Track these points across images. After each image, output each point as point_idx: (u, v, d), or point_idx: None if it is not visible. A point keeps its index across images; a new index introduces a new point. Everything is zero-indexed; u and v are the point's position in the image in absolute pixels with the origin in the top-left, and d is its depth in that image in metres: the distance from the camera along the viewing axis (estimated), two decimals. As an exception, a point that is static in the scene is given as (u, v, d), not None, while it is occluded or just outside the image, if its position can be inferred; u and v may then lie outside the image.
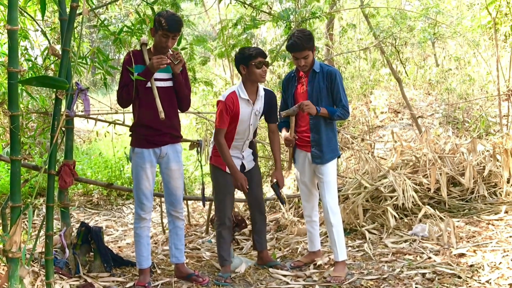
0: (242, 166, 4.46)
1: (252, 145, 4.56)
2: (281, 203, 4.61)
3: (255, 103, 4.35)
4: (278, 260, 4.83)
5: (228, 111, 4.25)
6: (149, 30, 4.57)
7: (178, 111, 4.29)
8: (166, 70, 4.09)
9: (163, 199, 4.96)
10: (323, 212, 4.42)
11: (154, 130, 4.04)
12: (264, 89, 4.47)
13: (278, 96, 5.16)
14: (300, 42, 4.21)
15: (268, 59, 4.31)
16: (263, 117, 4.56)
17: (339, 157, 4.53)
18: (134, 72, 3.95)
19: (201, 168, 5.08)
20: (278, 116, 4.55)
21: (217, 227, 4.49)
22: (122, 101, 4.11)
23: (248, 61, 4.22)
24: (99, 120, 5.56)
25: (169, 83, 4.14)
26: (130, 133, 4.24)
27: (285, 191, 6.91)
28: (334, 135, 4.43)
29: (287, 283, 4.27)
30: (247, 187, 4.35)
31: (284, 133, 4.50)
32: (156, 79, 4.04)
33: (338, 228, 4.32)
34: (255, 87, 4.37)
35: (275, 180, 4.49)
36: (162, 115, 3.92)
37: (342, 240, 4.34)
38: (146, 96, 4.02)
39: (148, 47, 4.12)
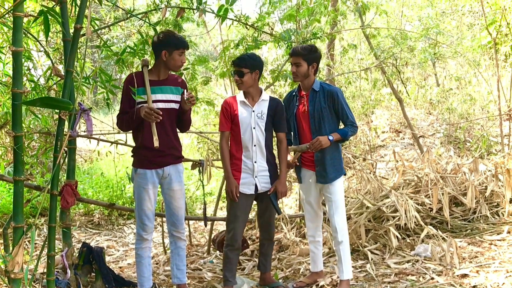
0: (256, 187, 4.38)
1: (270, 164, 4.45)
2: (277, 213, 4.55)
3: (255, 105, 4.34)
4: (280, 281, 4.80)
5: (225, 114, 4.34)
6: (151, 51, 4.59)
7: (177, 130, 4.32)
8: (171, 92, 4.13)
9: (164, 219, 4.94)
10: (331, 230, 4.42)
11: (156, 151, 4.02)
12: (270, 97, 4.48)
13: None
14: (297, 48, 4.32)
15: (237, 70, 4.31)
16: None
17: (344, 175, 4.53)
18: (136, 95, 3.95)
19: (203, 188, 5.06)
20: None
21: (225, 247, 4.44)
22: (123, 128, 4.18)
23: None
24: (101, 140, 5.56)
25: (173, 105, 4.14)
26: (132, 154, 4.24)
27: (287, 211, 6.90)
28: (339, 154, 4.42)
29: (290, 304, 4.24)
30: (237, 195, 4.29)
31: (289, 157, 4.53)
32: (159, 101, 4.05)
33: (345, 246, 4.33)
34: (256, 92, 4.39)
35: (273, 190, 4.39)
36: (157, 143, 3.91)
37: (348, 259, 4.34)
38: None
39: (149, 68, 4.13)
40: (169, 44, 4.01)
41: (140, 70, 4.14)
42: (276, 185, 4.41)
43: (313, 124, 4.34)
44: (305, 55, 4.28)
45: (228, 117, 4.32)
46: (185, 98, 4.06)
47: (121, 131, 4.41)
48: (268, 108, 4.38)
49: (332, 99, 4.29)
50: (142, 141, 4.07)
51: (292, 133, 4.55)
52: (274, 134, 4.51)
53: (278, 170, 4.51)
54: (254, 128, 4.32)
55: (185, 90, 4.19)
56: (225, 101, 4.42)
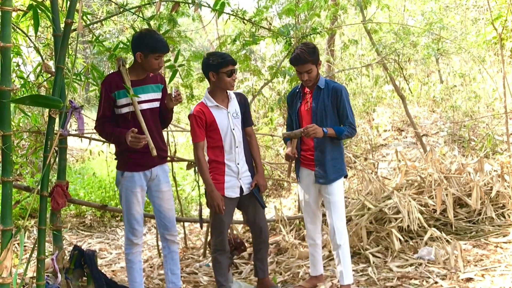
0: (241, 189, 4.30)
1: (249, 163, 4.40)
2: (262, 207, 4.46)
3: (228, 106, 4.25)
4: (278, 285, 4.73)
5: (199, 123, 4.15)
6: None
7: None
8: (152, 90, 4.06)
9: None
10: (329, 233, 4.36)
11: (142, 153, 3.92)
12: (234, 93, 4.40)
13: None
14: (303, 55, 4.15)
15: (237, 67, 4.26)
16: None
17: (346, 176, 4.42)
18: (117, 98, 3.90)
19: (198, 188, 4.97)
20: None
21: (213, 252, 4.38)
22: (103, 135, 4.11)
23: (219, 68, 4.12)
24: (93, 139, 5.50)
25: (155, 104, 4.08)
26: (116, 157, 4.15)
27: (286, 212, 6.84)
28: (341, 154, 4.34)
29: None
30: (224, 208, 4.17)
31: (287, 149, 4.42)
32: (142, 101, 3.96)
33: (344, 250, 4.25)
34: (225, 92, 4.28)
35: (254, 184, 4.34)
36: (154, 151, 3.83)
37: (348, 263, 4.28)
38: (132, 122, 3.93)
39: (128, 66, 4.03)
40: (145, 47, 3.86)
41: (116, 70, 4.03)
42: (256, 179, 4.36)
43: (315, 121, 4.22)
44: (313, 60, 4.18)
45: (203, 126, 4.17)
46: (172, 96, 3.95)
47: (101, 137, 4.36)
48: (239, 105, 4.32)
49: (335, 96, 4.21)
50: (127, 145, 3.91)
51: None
52: None
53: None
54: (233, 129, 4.22)
55: (167, 86, 4.13)
56: (196, 110, 4.20)
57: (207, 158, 4.29)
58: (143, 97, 3.96)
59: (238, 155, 4.26)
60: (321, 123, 4.19)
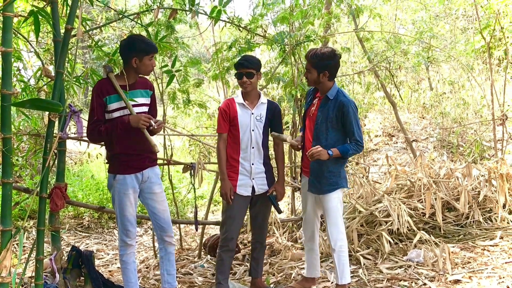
0: (253, 189, 4.37)
1: (267, 166, 4.46)
2: (278, 212, 4.55)
3: (254, 108, 4.34)
4: (271, 286, 4.78)
5: (224, 116, 4.32)
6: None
7: None
8: (141, 95, 4.10)
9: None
10: (327, 237, 4.38)
11: (133, 156, 3.99)
12: (269, 100, 4.49)
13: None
14: (309, 54, 4.23)
15: (248, 70, 4.29)
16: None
17: (345, 188, 4.36)
18: (108, 103, 3.92)
19: (194, 191, 5.03)
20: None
21: (219, 248, 4.44)
22: (95, 138, 4.05)
23: (236, 70, 4.33)
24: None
25: (144, 108, 4.12)
26: (107, 161, 4.18)
27: (279, 215, 6.79)
28: (338, 168, 4.26)
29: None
30: (232, 197, 4.29)
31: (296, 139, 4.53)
32: (133, 106, 3.98)
33: (340, 254, 4.24)
34: (256, 94, 4.40)
35: (273, 192, 4.43)
36: (157, 148, 3.94)
37: (343, 265, 4.25)
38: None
39: (115, 73, 4.06)
40: (139, 50, 3.91)
41: (105, 77, 4.04)
42: (275, 186, 4.44)
43: (317, 129, 4.23)
44: (314, 63, 4.17)
45: (227, 119, 4.31)
46: (154, 126, 3.95)
47: (90, 142, 4.35)
48: (267, 111, 4.39)
49: (341, 112, 4.13)
50: (118, 148, 3.98)
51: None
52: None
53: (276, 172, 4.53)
54: (253, 130, 4.31)
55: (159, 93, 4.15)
56: (224, 103, 4.40)
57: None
58: (132, 102, 3.99)
59: (253, 155, 4.34)
60: (321, 133, 4.18)
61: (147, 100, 4.15)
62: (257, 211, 4.51)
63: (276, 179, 4.51)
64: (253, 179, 4.36)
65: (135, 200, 4.10)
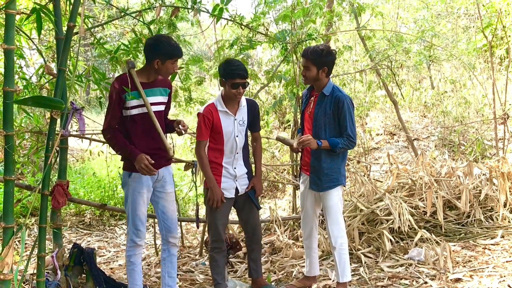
0: (236, 190, 4.34)
1: (248, 166, 4.44)
2: (257, 209, 4.50)
3: (236, 113, 4.24)
4: (272, 283, 4.78)
5: (206, 123, 4.15)
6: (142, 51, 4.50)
7: None
8: (160, 93, 4.06)
9: (156, 219, 4.88)
10: (327, 235, 4.37)
11: (150, 154, 3.88)
12: (246, 99, 4.39)
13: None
14: (307, 50, 4.20)
15: (247, 80, 4.19)
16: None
17: (343, 185, 4.36)
18: (127, 100, 3.86)
19: (196, 189, 5.03)
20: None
21: (210, 250, 4.42)
22: (111, 143, 4.01)
23: (227, 78, 4.11)
24: (93, 139, 5.51)
25: (162, 107, 4.09)
26: (122, 158, 4.12)
27: (280, 213, 6.88)
28: (337, 165, 4.26)
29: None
30: (223, 202, 4.22)
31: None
32: (151, 104, 3.94)
33: (341, 252, 4.25)
34: (236, 100, 4.27)
35: (252, 187, 4.39)
36: (171, 152, 3.94)
37: (344, 263, 4.26)
38: (140, 124, 3.96)
39: (136, 69, 4.00)
40: (163, 53, 3.85)
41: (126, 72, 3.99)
42: (253, 181, 4.41)
43: (315, 127, 4.22)
44: (314, 59, 4.15)
45: (209, 126, 4.17)
46: (181, 129, 4.02)
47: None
48: (248, 112, 4.33)
49: (337, 106, 4.12)
50: (137, 147, 3.92)
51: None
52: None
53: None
54: (237, 136, 4.24)
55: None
56: (205, 109, 4.20)
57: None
58: (151, 99, 3.94)
59: (236, 160, 4.30)
60: (320, 130, 4.18)
61: (165, 99, 4.11)
62: (247, 214, 4.46)
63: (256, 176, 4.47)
64: (236, 181, 4.33)
65: (148, 199, 4.06)
